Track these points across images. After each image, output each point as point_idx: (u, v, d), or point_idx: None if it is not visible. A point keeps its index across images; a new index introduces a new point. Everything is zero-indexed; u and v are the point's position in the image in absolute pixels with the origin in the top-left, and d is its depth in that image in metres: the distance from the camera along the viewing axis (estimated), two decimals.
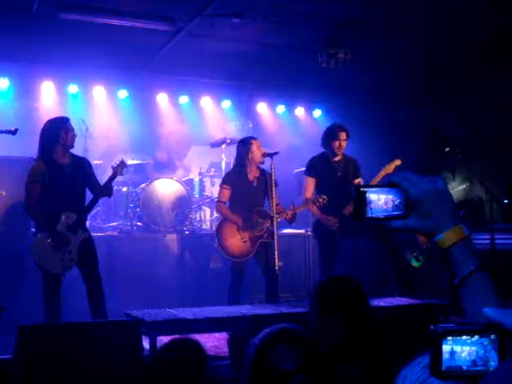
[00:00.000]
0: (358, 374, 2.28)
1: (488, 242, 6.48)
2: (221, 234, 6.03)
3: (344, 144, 6.17)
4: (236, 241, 5.99)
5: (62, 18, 6.47)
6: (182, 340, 2.41)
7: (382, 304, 4.95)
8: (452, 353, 1.03)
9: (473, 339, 1.04)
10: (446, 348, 1.03)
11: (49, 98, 8.51)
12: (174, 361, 2.22)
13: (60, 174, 5.12)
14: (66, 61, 7.86)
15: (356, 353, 2.39)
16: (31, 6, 6.21)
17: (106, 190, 5.31)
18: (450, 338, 1.03)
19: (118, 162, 5.42)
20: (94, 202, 5.30)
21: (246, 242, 6.00)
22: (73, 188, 5.17)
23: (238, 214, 6.03)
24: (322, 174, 6.22)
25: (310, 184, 6.25)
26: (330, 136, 6.20)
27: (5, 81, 8.17)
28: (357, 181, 6.15)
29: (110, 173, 5.45)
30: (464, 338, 1.04)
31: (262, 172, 6.14)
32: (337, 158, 6.24)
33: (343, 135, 6.15)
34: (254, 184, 6.06)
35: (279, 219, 5.96)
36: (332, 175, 6.18)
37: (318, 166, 6.27)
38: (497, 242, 6.51)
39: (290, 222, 6.17)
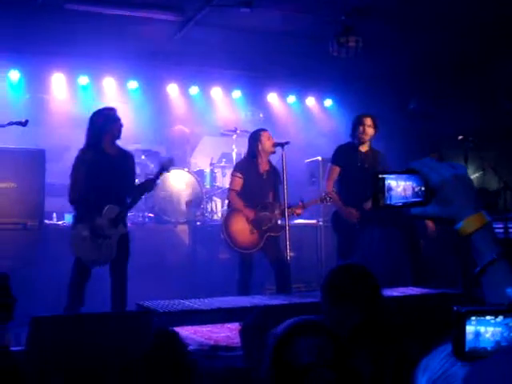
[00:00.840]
0: (370, 366, 2.26)
1: (502, 230, 6.42)
2: (228, 225, 6.01)
3: (370, 130, 6.04)
4: (244, 232, 5.97)
5: (69, 9, 6.45)
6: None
7: (395, 294, 4.92)
8: (476, 334, 1.01)
9: (497, 320, 1.02)
10: (469, 329, 1.01)
11: (59, 90, 8.52)
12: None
13: (108, 164, 5.09)
14: (76, 52, 7.85)
15: (367, 344, 2.36)
16: None
17: (150, 185, 5.29)
18: (473, 318, 1.01)
19: (166, 159, 5.47)
20: (137, 199, 5.29)
21: (253, 233, 5.98)
22: (119, 180, 5.14)
23: (247, 205, 6.01)
24: (346, 164, 6.14)
25: (334, 172, 6.18)
26: (355, 122, 6.12)
27: (15, 73, 8.18)
28: None
29: None
30: (488, 318, 1.01)
31: (272, 167, 6.15)
32: (364, 149, 6.14)
33: (368, 120, 6.04)
34: (264, 177, 6.06)
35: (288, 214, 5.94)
36: (356, 166, 6.08)
37: (344, 155, 6.17)
38: (511, 230, 6.45)
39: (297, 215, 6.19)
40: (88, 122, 5.19)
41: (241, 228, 5.97)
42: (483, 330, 1.01)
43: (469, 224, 1.23)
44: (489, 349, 1.01)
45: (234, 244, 5.98)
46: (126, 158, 5.32)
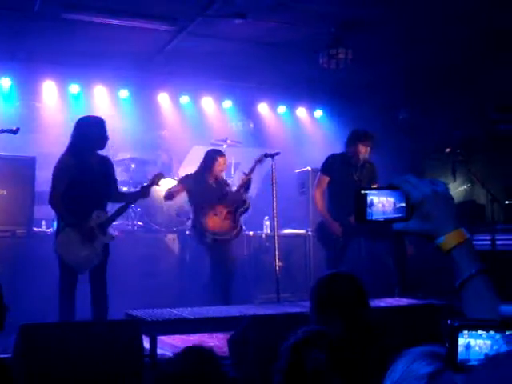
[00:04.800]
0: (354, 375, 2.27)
1: (489, 242, 6.48)
2: (202, 221, 6.28)
3: (366, 155, 6.14)
4: (216, 219, 6.29)
5: (64, 18, 6.48)
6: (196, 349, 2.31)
7: (381, 304, 4.94)
8: (467, 346, 1.04)
9: (488, 334, 1.05)
10: (461, 341, 1.05)
11: (50, 98, 8.52)
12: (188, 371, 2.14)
13: (89, 172, 5.09)
14: (68, 60, 7.87)
15: (350, 353, 2.36)
16: (33, 5, 6.23)
17: (134, 198, 5.52)
18: (466, 331, 1.04)
19: (156, 173, 5.59)
20: (124, 208, 5.39)
21: (226, 219, 6.31)
22: (99, 187, 5.15)
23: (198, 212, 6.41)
24: (337, 175, 6.15)
25: (323, 182, 6.18)
26: (355, 140, 6.12)
27: (6, 80, 8.17)
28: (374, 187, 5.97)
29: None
30: (480, 332, 1.05)
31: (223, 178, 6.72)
32: (355, 162, 6.20)
33: (369, 144, 6.11)
34: (214, 185, 6.49)
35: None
36: (347, 178, 6.09)
37: (336, 166, 6.18)
38: (498, 242, 6.50)
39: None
40: (74, 128, 5.14)
41: (212, 217, 6.31)
42: (473, 343, 1.05)
43: (448, 240, 1.27)
44: (477, 361, 1.04)
45: (213, 233, 6.26)
46: (105, 163, 5.32)
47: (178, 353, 1.99)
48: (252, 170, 6.46)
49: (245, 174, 6.50)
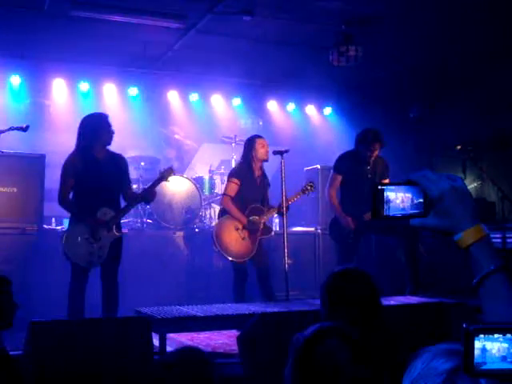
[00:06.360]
0: (364, 373, 2.25)
1: (499, 240, 6.43)
2: (220, 237, 6.05)
3: (376, 154, 6.04)
4: (236, 240, 6.04)
5: (74, 16, 6.50)
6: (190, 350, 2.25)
7: (392, 303, 4.92)
8: (483, 349, 1.03)
9: (505, 337, 1.03)
10: (477, 344, 1.03)
11: (60, 95, 8.55)
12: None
13: (97, 167, 5.09)
14: (78, 58, 7.89)
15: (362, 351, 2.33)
16: (43, 3, 6.25)
17: (150, 194, 5.30)
18: (482, 335, 1.03)
19: (166, 168, 5.48)
20: (131, 206, 5.34)
21: (245, 239, 6.06)
22: (109, 182, 5.13)
23: (239, 208, 6.08)
24: (350, 174, 6.08)
25: (336, 181, 6.13)
26: (365, 142, 5.97)
27: (16, 78, 8.20)
28: (385, 181, 5.93)
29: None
30: (496, 336, 1.03)
31: (263, 172, 6.26)
32: (368, 160, 6.12)
33: (378, 145, 5.97)
34: (258, 182, 6.16)
35: (275, 214, 6.34)
36: (361, 176, 6.03)
37: (348, 165, 6.11)
38: (508, 240, 6.46)
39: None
40: (79, 126, 5.18)
41: (233, 237, 6.05)
42: (490, 346, 1.02)
43: (467, 236, 1.24)
44: (494, 364, 1.03)
45: (229, 255, 6.04)
46: (117, 160, 5.30)
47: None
48: (295, 197, 6.25)
49: (287, 198, 6.06)
